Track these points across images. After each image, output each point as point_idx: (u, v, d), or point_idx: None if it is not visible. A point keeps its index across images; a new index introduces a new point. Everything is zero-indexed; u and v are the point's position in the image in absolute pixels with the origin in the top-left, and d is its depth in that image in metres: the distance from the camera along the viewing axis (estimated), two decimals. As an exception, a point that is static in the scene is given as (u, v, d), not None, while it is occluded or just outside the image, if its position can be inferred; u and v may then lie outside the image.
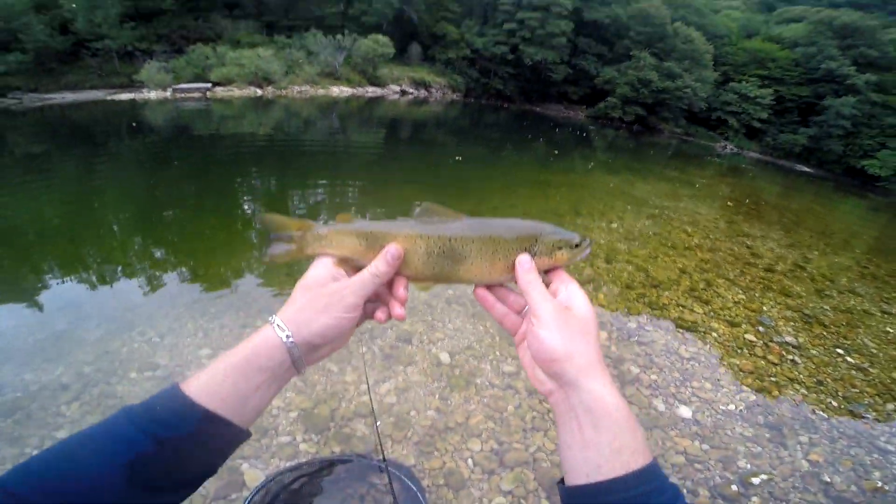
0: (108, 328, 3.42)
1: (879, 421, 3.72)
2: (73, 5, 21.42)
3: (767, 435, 3.27)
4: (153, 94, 19.81)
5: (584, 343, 0.57)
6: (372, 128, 16.66)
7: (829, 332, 5.06)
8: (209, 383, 0.55)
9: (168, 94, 20.19)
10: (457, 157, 11.54)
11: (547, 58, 32.52)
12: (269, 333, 0.59)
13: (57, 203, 6.38)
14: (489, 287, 0.68)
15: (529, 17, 31.69)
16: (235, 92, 21.14)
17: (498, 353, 3.62)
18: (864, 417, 3.71)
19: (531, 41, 32.32)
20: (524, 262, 0.63)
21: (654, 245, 6.60)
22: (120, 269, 4.52)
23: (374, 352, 3.45)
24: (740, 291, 5.63)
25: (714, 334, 4.48)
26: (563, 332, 0.57)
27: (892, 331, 5.53)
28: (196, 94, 20.40)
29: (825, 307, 5.77)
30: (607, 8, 33.81)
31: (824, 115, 32.57)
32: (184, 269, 4.58)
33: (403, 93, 28.47)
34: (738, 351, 4.28)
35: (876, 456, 3.29)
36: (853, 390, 4.06)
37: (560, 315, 0.58)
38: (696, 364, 3.92)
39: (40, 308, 3.70)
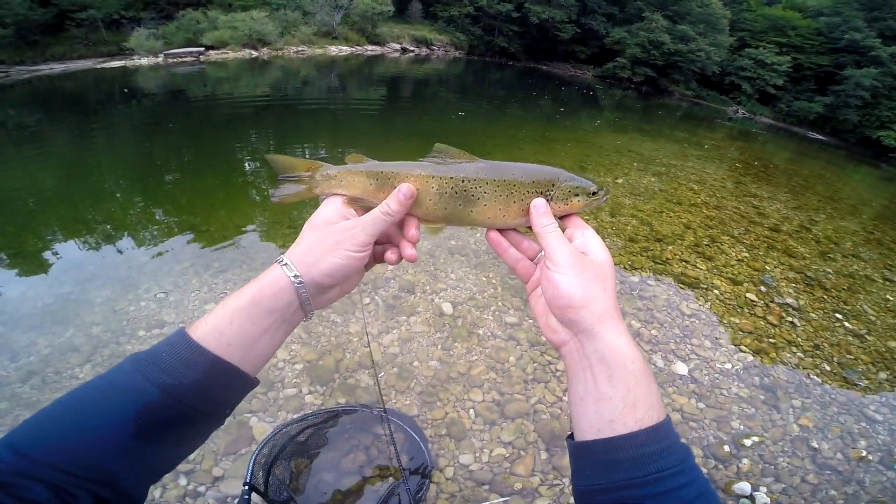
0: (113, 288, 3.44)
1: (871, 389, 3.74)
2: None
3: (762, 397, 3.30)
4: (144, 61, 19.27)
5: (601, 289, 0.55)
6: (372, 85, 16.24)
7: (829, 296, 5.04)
8: (216, 327, 0.53)
9: (160, 59, 19.64)
10: (460, 113, 11.30)
11: (554, 17, 31.22)
12: (278, 273, 0.57)
13: (54, 170, 6.31)
14: (502, 231, 0.67)
15: None
16: (230, 54, 20.51)
17: (500, 303, 3.62)
18: (856, 385, 3.73)
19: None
20: (539, 205, 0.62)
21: (659, 201, 6.54)
22: (122, 230, 4.52)
23: (377, 302, 3.46)
24: (744, 249, 5.58)
25: (716, 291, 4.47)
26: (580, 277, 0.55)
27: (891, 298, 5.51)
28: (189, 59, 19.82)
29: (828, 270, 5.74)
30: None
31: (843, 85, 31.69)
32: (185, 227, 4.56)
33: (404, 51, 27.53)
34: (739, 310, 4.28)
35: (864, 424, 3.32)
36: (848, 357, 4.08)
37: (577, 260, 0.57)
38: (697, 321, 3.94)
39: (46, 273, 3.72)
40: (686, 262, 4.90)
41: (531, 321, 3.46)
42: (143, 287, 3.45)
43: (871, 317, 4.92)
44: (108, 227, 4.63)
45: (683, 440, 2.82)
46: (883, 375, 4.00)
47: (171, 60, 19.41)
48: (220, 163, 6.62)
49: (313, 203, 0.70)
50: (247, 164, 6.68)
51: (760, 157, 14.06)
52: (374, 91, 14.80)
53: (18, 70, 18.83)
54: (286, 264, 0.57)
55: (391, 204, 0.62)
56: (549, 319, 0.59)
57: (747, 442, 2.89)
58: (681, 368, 3.37)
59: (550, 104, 16.22)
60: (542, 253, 0.62)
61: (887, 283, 5.99)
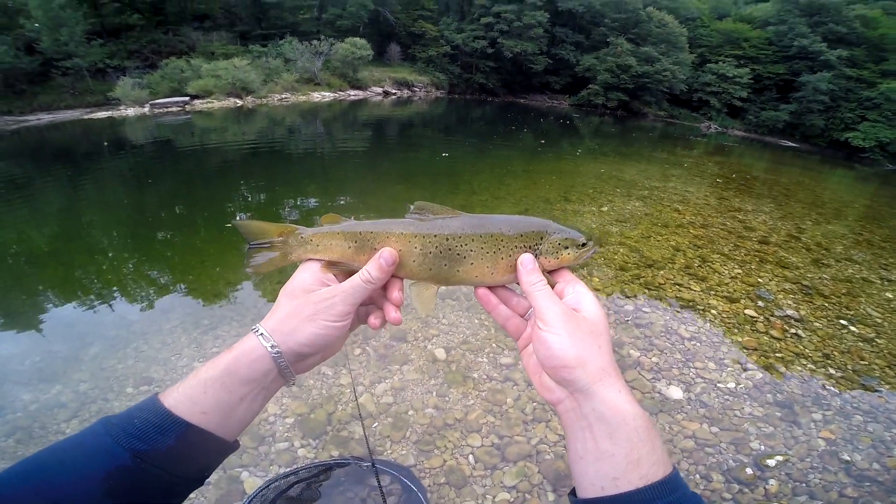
0: (102, 346, 3.45)
1: (894, 394, 3.63)
2: (36, 25, 21.06)
3: (778, 414, 3.19)
4: (131, 111, 19.54)
5: (595, 348, 0.53)
6: (357, 129, 16.52)
7: (830, 303, 4.99)
8: (188, 395, 0.52)
9: (146, 109, 19.93)
10: (444, 154, 11.41)
11: (526, 49, 32.59)
12: (253, 343, 0.55)
13: (43, 225, 6.37)
14: (491, 288, 0.64)
15: (505, 10, 31.80)
16: (215, 104, 20.92)
17: (494, 345, 3.54)
18: (877, 391, 3.62)
19: (509, 34, 32.41)
20: (527, 261, 0.59)
21: (645, 225, 6.54)
22: (112, 287, 4.50)
23: (369, 353, 3.35)
24: (736, 266, 5.56)
25: (713, 311, 4.40)
26: (573, 336, 0.53)
27: (894, 298, 5.49)
28: (175, 108, 20.15)
29: (824, 277, 5.71)
30: None
31: (802, 91, 33.07)
32: (176, 285, 4.54)
33: (386, 94, 28.31)
34: (740, 327, 4.20)
35: (895, 432, 3.20)
36: (862, 363, 3.98)
37: (569, 318, 0.54)
38: (698, 343, 3.84)
39: (35, 330, 3.76)
40: (679, 285, 4.85)
41: (521, 364, 3.37)
42: (132, 345, 3.43)
43: (877, 319, 4.85)
44: (98, 284, 4.61)
45: (699, 466, 2.71)
46: None
47: (157, 111, 19.72)
48: (211, 216, 6.57)
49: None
50: (237, 217, 6.64)
51: (739, 171, 14.38)
52: (359, 135, 15.05)
53: (6, 121, 18.97)
54: (262, 334, 0.55)
55: (372, 271, 0.59)
56: (543, 378, 0.56)
57: (771, 462, 2.76)
58: (688, 394, 3.25)
59: (531, 137, 16.61)
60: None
61: (886, 282, 5.98)
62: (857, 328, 4.55)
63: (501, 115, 24.73)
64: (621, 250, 5.52)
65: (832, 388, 3.57)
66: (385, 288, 0.62)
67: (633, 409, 0.51)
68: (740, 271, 5.42)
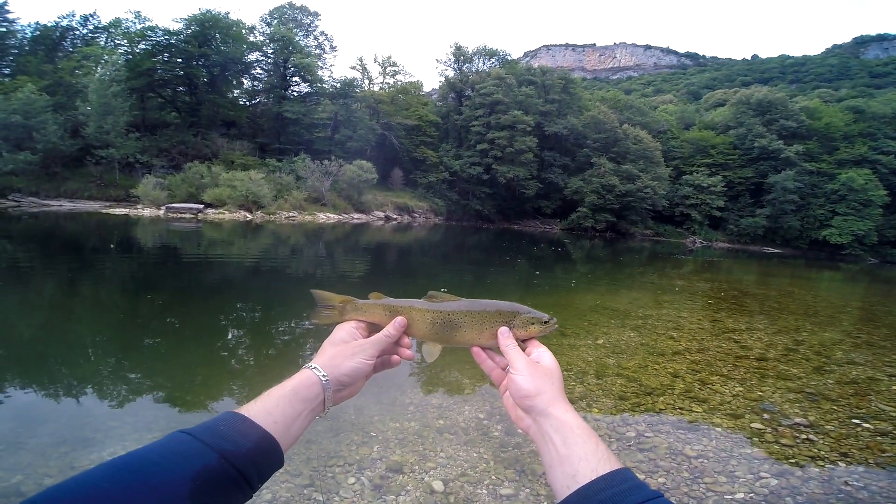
0: (74, 445, 3.36)
1: None
2: (88, 108, 22.83)
3: None
4: (147, 212, 20.47)
5: (549, 384, 0.73)
6: (358, 254, 17.06)
7: (839, 406, 4.89)
8: (264, 408, 0.66)
9: (161, 212, 20.88)
10: (442, 289, 11.56)
11: (518, 174, 35.61)
12: (309, 374, 0.75)
13: (33, 314, 6.46)
14: (482, 348, 0.87)
15: (498, 136, 35.55)
16: (226, 215, 22.03)
17: (494, 476, 3.37)
18: None
19: (503, 159, 35.75)
20: (504, 332, 0.84)
21: (642, 355, 6.52)
22: (92, 388, 4.43)
23: (363, 482, 3.16)
24: (737, 384, 5.46)
25: (718, 429, 4.23)
26: (532, 376, 0.74)
27: None
28: (188, 215, 21.08)
29: (828, 382, 5.63)
30: (564, 120, 38.27)
31: (773, 193, 34.86)
32: (159, 393, 4.42)
33: (387, 218, 30.06)
34: (748, 440, 4.02)
35: None
36: (885, 455, 3.85)
37: (530, 365, 0.76)
38: (705, 461, 3.63)
39: (1, 422, 3.69)
40: (681, 408, 4.74)
41: (528, 490, 3.23)
42: (108, 450, 3.33)
43: (891, 413, 4.75)
44: (77, 384, 4.55)
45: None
46: None
47: (171, 215, 20.59)
48: (201, 330, 6.58)
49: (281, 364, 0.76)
50: (230, 336, 6.64)
51: (729, 288, 14.75)
52: (359, 260, 15.51)
53: (31, 202, 19.61)
54: (315, 367, 0.76)
55: (390, 330, 0.86)
56: (517, 411, 0.75)
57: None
58: None
59: (526, 266, 17.16)
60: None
61: (894, 378, 5.88)
62: (872, 424, 4.43)
63: (497, 243, 25.81)
64: (619, 381, 5.43)
65: (856, 483, 3.40)
66: (398, 341, 0.88)
67: (576, 420, 0.68)
68: (741, 389, 5.31)
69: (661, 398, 4.93)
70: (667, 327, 8.20)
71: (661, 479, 3.33)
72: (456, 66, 42.41)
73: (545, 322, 0.85)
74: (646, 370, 5.83)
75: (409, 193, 34.67)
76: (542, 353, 0.80)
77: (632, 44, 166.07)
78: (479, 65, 43.08)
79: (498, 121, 35.86)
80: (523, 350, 0.81)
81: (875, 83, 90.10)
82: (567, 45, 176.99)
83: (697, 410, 4.65)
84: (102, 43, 30.94)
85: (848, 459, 3.77)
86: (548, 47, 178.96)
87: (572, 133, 37.90)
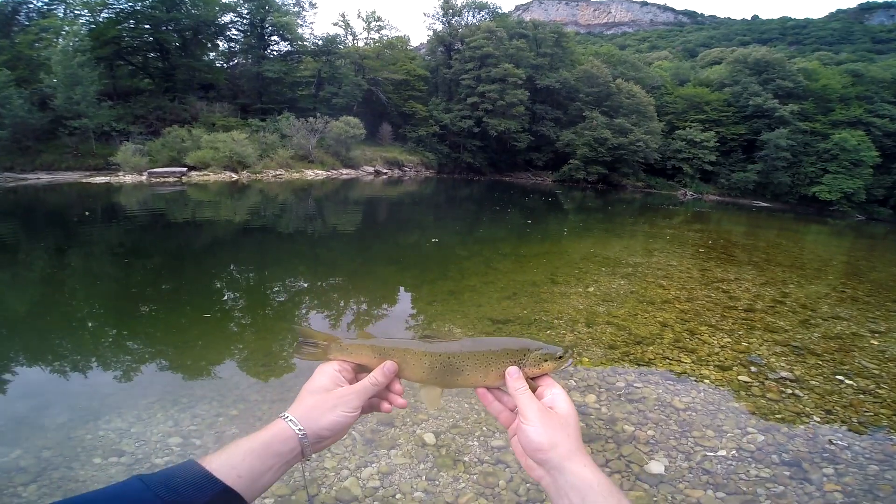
0: (72, 415, 3.37)
1: None
2: (54, 80, 21.87)
3: (787, 473, 3.11)
4: (129, 178, 19.89)
5: (564, 435, 0.67)
6: (349, 210, 16.77)
7: (824, 361, 5.01)
8: (230, 460, 0.63)
9: (144, 178, 20.30)
10: (433, 240, 11.30)
11: (510, 127, 34.84)
12: (283, 426, 0.69)
13: (24, 289, 6.34)
14: (488, 388, 0.80)
15: (489, 89, 34.44)
16: (211, 176, 21.47)
17: (485, 428, 3.44)
18: (888, 439, 3.59)
19: (494, 112, 34.83)
20: (513, 372, 0.76)
21: (632, 303, 6.60)
22: (89, 358, 4.41)
23: (355, 437, 3.22)
24: (725, 335, 5.57)
25: (706, 381, 4.34)
26: (546, 427, 0.67)
27: (887, 348, 5.53)
28: (171, 179, 20.58)
29: (814, 336, 5.77)
30: (556, 73, 37.10)
31: (765, 150, 34.97)
32: (156, 360, 4.41)
33: (377, 173, 29.47)
34: (735, 394, 4.14)
35: None
36: (867, 414, 3.97)
37: (544, 414, 0.69)
38: (693, 413, 3.75)
39: (2, 393, 3.71)
40: (669, 359, 4.82)
41: None
42: (104, 417, 3.35)
43: (874, 371, 4.87)
44: (74, 353, 4.55)
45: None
46: None
47: (154, 180, 20.05)
48: (197, 294, 6.50)
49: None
50: (225, 297, 6.59)
51: (718, 238, 14.89)
52: (350, 215, 15.25)
53: (6, 177, 19.02)
54: (291, 420, 0.70)
55: (378, 377, 0.78)
56: (528, 460, 0.70)
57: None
58: (688, 462, 3.14)
59: (518, 217, 17.13)
60: None
61: (876, 334, 6.05)
62: (856, 381, 4.56)
63: (488, 195, 25.63)
64: (609, 329, 5.52)
65: (840, 441, 3.52)
66: (388, 385, 0.80)
67: (598, 477, 0.63)
68: (730, 340, 5.42)
69: (651, 347, 5.03)
70: (656, 276, 8.31)
71: (650, 432, 3.44)
72: (444, 19, 40.78)
73: (560, 357, 0.77)
74: (635, 319, 5.93)
75: (398, 148, 33.98)
76: (556, 396, 0.73)
77: None
78: (469, 18, 41.54)
79: (489, 74, 34.67)
80: (535, 389, 0.75)
81: (877, 48, 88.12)
82: None
83: (686, 361, 4.75)
84: (61, 14, 28.79)
85: (832, 417, 3.88)
86: (540, 1, 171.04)
87: (564, 87, 36.92)
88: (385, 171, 30.30)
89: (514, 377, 0.75)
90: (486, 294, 6.63)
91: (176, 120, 25.57)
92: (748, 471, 3.10)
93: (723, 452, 3.29)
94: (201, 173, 21.48)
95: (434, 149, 35.35)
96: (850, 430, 3.70)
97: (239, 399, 3.65)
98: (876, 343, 5.71)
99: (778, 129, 34.93)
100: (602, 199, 26.93)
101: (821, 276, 9.82)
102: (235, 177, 22.03)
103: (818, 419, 3.83)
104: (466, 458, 3.08)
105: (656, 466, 3.10)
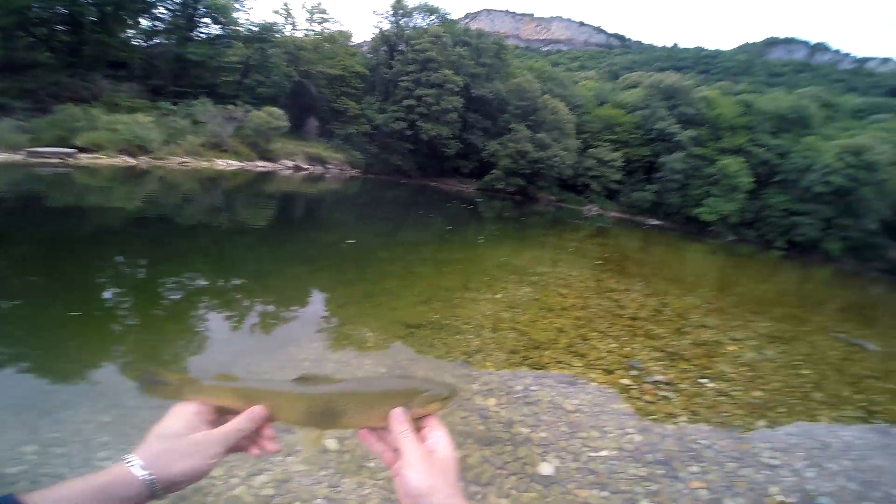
0: None
1: (756, 438, 4.19)
2: None
3: (660, 471, 3.47)
4: (2, 156, 16.97)
5: (443, 481, 0.68)
6: (262, 204, 15.71)
7: (692, 365, 5.76)
8: (53, 497, 0.56)
9: (20, 157, 17.44)
10: (349, 241, 10.88)
11: (441, 133, 35.28)
12: (125, 471, 0.62)
13: None
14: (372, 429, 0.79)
15: (427, 93, 34.56)
16: (104, 160, 19.01)
17: None
18: (741, 438, 4.14)
19: (428, 117, 35.01)
20: (397, 415, 0.75)
21: (534, 310, 7.09)
22: None
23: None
24: (612, 341, 6.20)
25: (593, 384, 4.81)
26: (427, 473, 0.68)
27: (742, 354, 6.51)
28: (54, 160, 17.89)
29: (685, 343, 6.63)
30: (491, 84, 38.31)
31: (662, 172, 38.93)
32: (15, 362, 3.83)
33: (298, 168, 28.08)
34: (618, 395, 4.64)
35: (766, 472, 3.63)
36: (724, 414, 4.56)
37: (425, 459, 0.70)
38: (581, 415, 4.14)
39: None
40: (562, 362, 5.27)
41: None
42: None
43: (731, 375, 5.67)
44: None
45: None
46: (761, 423, 4.54)
47: (33, 159, 17.24)
48: (73, 289, 5.72)
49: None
50: (107, 294, 5.87)
51: (615, 252, 16.55)
52: (262, 210, 14.23)
53: None
54: (135, 464, 0.63)
55: (243, 423, 0.72)
56: (409, 502, 0.70)
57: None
58: (577, 462, 3.44)
59: (441, 222, 17.48)
60: None
61: (734, 341, 7.10)
62: (716, 384, 5.28)
63: (414, 199, 25.68)
64: (512, 335, 5.87)
65: (703, 441, 4.00)
66: (258, 431, 0.76)
67: None
68: (615, 345, 6.04)
69: (548, 352, 5.46)
70: (558, 284, 8.99)
71: (543, 434, 3.74)
72: (394, 18, 40.15)
73: (445, 398, 0.78)
74: (536, 325, 6.38)
75: (323, 144, 32.74)
76: (438, 440, 0.74)
77: (568, 18, 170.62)
78: (419, 20, 41.25)
79: (428, 78, 34.81)
80: (419, 429, 0.75)
81: (771, 80, 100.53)
82: (507, 12, 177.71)
83: (577, 365, 5.22)
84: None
85: (696, 417, 4.44)
86: (489, 11, 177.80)
87: (497, 98, 38.29)
88: (306, 166, 29.02)
89: (399, 420, 0.74)
90: (402, 298, 6.70)
91: (74, 98, 22.21)
92: (628, 469, 3.43)
93: (605, 452, 3.61)
94: (92, 156, 18.91)
95: (362, 148, 34.60)
96: (711, 430, 4.22)
97: (113, 404, 3.30)
98: (733, 349, 6.72)
99: (675, 152, 38.87)
100: (519, 209, 28.25)
101: (695, 289, 11.31)
102: (133, 161, 19.69)
103: (685, 420, 4.35)
104: (372, 464, 3.09)
105: (547, 468, 3.35)
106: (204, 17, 29.77)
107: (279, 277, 7.45)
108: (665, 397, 4.76)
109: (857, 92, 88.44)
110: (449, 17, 43.30)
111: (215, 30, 30.60)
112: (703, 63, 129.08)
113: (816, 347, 7.73)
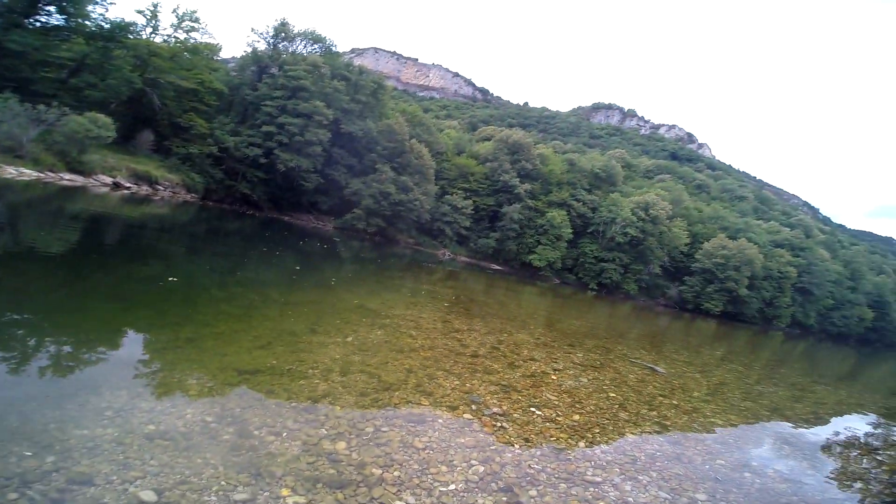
0: None
1: (580, 458, 4.77)
2: None
3: (504, 498, 3.81)
4: None
5: None
6: (61, 226, 12.45)
7: (522, 396, 6.49)
8: None
9: None
10: (171, 278, 9.29)
11: (301, 164, 33.62)
12: None
13: None
14: None
15: (291, 122, 32.76)
16: None
17: (224, 482, 3.25)
18: (568, 459, 4.67)
19: (288, 147, 33.08)
20: None
21: (385, 352, 7.25)
22: None
23: (33, 497, 2.66)
24: (455, 378, 6.72)
25: (440, 421, 5.19)
26: None
27: (563, 382, 7.52)
28: None
29: (516, 375, 7.50)
30: (362, 121, 38.54)
31: (503, 221, 44.15)
32: None
33: (117, 186, 23.78)
34: (460, 430, 5.05)
35: (592, 489, 4.11)
36: (551, 439, 5.14)
37: None
38: (431, 451, 4.44)
39: None
40: (411, 402, 5.54)
41: (267, 493, 3.28)
42: None
43: (554, 401, 6.48)
44: None
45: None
46: (582, 444, 5.22)
47: None
48: None
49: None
50: None
51: (461, 295, 17.94)
52: (62, 232, 11.44)
53: None
54: None
55: None
56: None
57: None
58: (429, 497, 3.68)
59: (289, 260, 16.26)
60: None
61: (556, 371, 8.15)
62: (543, 411, 5.96)
63: (261, 232, 23.95)
64: (361, 378, 5.91)
65: (536, 465, 4.46)
66: None
67: None
68: (458, 382, 6.55)
69: (397, 392, 5.70)
70: (409, 326, 9.40)
71: (396, 473, 3.96)
72: (273, 40, 37.98)
73: None
74: (386, 366, 6.58)
75: (156, 161, 28.42)
76: None
77: (445, 68, 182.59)
78: (300, 47, 39.78)
79: (296, 107, 33.26)
80: None
81: (591, 142, 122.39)
82: (394, 53, 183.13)
83: (425, 403, 5.54)
84: None
85: (529, 444, 4.92)
86: (376, 49, 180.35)
87: (366, 136, 38.56)
88: (129, 185, 24.77)
89: None
90: (235, 342, 6.23)
91: None
92: (476, 500, 3.70)
93: (453, 486, 3.88)
94: None
95: (205, 171, 30.79)
96: (542, 454, 4.69)
97: None
98: (555, 378, 7.82)
99: (514, 204, 44.53)
100: (377, 251, 28.51)
101: (525, 328, 13.06)
102: None
103: (519, 447, 4.80)
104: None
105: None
106: (49, 4, 24.58)
107: (79, 315, 6.28)
108: (502, 427, 5.28)
109: (649, 154, 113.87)
110: (334, 48, 43.08)
111: (57, 20, 25.38)
112: (544, 122, 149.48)
113: (620, 373, 9.34)
